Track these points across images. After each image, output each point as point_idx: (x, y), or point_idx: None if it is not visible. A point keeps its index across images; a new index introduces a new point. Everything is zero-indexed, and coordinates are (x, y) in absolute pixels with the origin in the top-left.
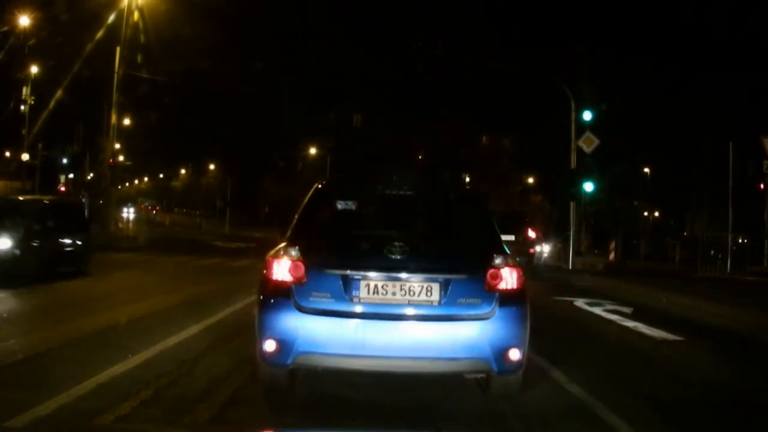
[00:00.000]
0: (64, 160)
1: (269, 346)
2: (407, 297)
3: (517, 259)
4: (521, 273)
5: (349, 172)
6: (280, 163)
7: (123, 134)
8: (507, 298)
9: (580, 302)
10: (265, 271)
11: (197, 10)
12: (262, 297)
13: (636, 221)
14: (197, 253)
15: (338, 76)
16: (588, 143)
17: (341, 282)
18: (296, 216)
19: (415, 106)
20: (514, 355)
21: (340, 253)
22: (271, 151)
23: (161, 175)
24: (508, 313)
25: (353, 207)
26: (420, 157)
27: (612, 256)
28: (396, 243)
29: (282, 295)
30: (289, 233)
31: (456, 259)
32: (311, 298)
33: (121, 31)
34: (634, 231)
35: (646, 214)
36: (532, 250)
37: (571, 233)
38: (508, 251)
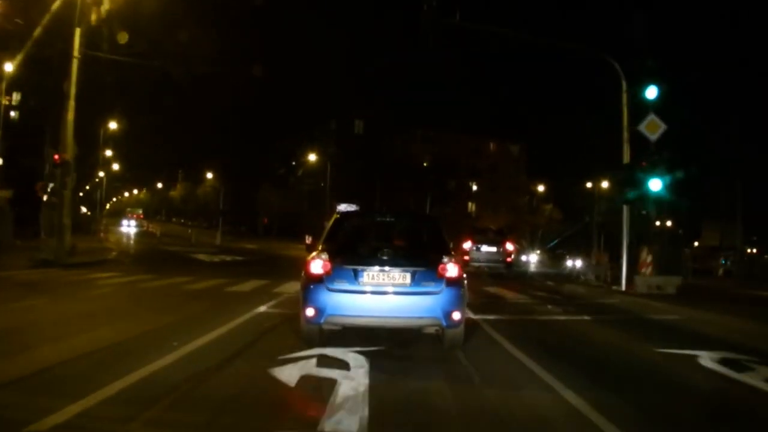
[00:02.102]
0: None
1: (310, 312)
2: (391, 281)
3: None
4: (461, 267)
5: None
6: (279, 170)
7: (111, 141)
8: (450, 282)
9: (707, 360)
10: (306, 268)
11: (193, 14)
12: (305, 282)
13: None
14: (164, 269)
15: (340, 80)
16: (652, 128)
17: (353, 273)
18: (323, 235)
19: (420, 113)
20: (456, 316)
21: (352, 256)
22: (270, 158)
23: (159, 185)
24: (451, 291)
25: (359, 227)
26: (425, 165)
27: (650, 270)
28: (385, 249)
29: (317, 281)
30: (320, 246)
31: (420, 259)
32: (335, 283)
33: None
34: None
35: (657, 223)
36: (509, 259)
37: (625, 248)
38: (452, 254)
